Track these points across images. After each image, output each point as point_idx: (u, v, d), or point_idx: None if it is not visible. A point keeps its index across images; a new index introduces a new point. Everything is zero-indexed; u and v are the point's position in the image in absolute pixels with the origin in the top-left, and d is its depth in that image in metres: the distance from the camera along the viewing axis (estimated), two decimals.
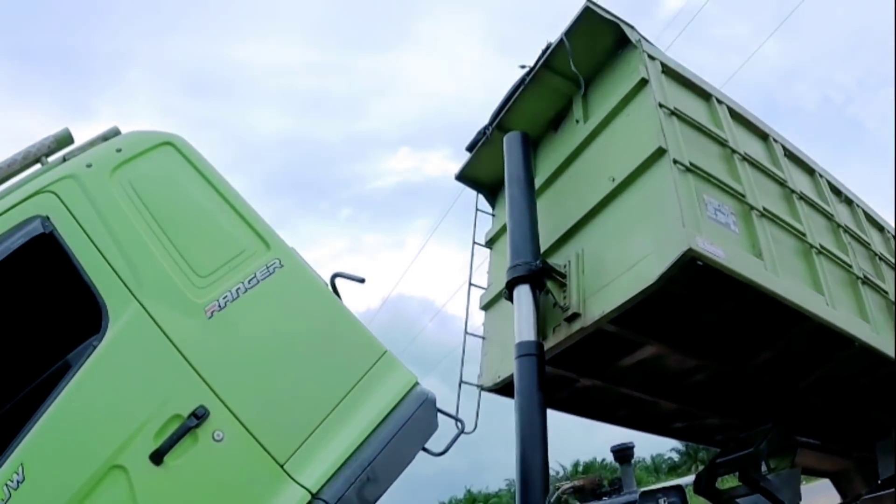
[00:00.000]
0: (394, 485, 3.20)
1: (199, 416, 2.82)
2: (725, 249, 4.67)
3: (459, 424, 3.63)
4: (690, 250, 4.38)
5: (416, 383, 3.49)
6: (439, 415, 3.51)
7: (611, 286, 4.91)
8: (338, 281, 3.89)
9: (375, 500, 3.16)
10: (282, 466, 2.93)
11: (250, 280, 3.24)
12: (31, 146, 3.37)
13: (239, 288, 3.19)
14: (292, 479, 2.93)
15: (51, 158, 3.39)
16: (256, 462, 2.90)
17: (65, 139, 3.43)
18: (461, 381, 5.93)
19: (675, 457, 42.67)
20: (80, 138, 3.48)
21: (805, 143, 7.42)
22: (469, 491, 59.26)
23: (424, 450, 3.48)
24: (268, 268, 3.34)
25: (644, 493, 3.71)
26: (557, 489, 4.17)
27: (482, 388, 6.12)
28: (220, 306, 3.12)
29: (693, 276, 4.59)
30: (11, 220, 2.94)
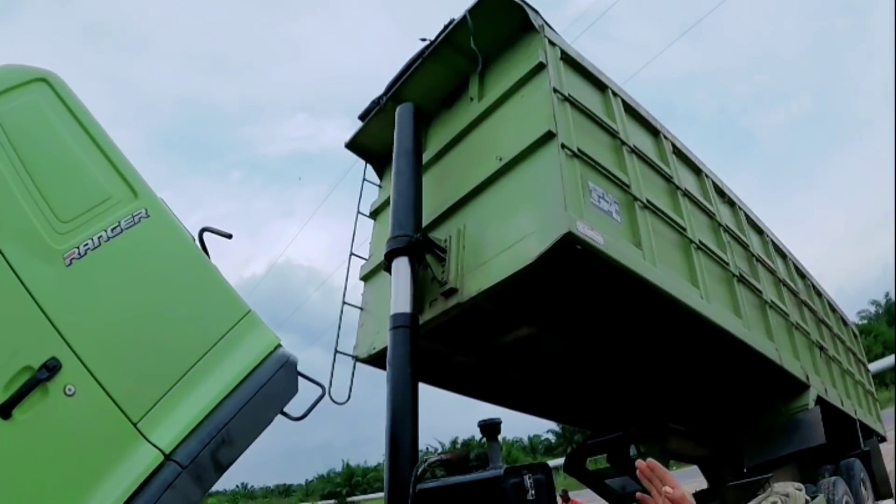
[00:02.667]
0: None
1: (51, 368, 2.70)
2: (605, 236, 4.74)
3: (321, 389, 3.56)
4: (570, 234, 4.43)
5: (279, 345, 3.43)
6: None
7: (489, 264, 4.92)
8: (206, 237, 3.77)
9: (230, 463, 3.10)
10: (135, 425, 2.83)
11: (114, 228, 3.11)
12: None
13: (101, 236, 3.05)
14: (145, 438, 2.84)
15: None
16: (109, 419, 2.79)
17: None
18: (336, 351, 5.88)
19: (552, 438, 43.73)
20: None
21: (698, 148, 7.66)
22: (347, 464, 59.71)
23: (283, 413, 3.43)
24: (133, 217, 3.21)
25: (509, 468, 3.71)
26: (425, 461, 4.14)
27: (357, 358, 6.10)
28: (80, 254, 2.97)
29: (572, 259, 4.65)
30: None
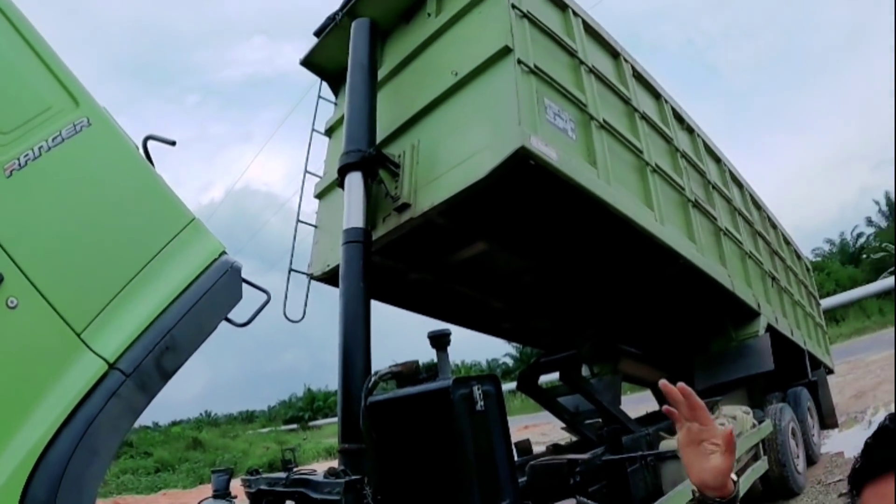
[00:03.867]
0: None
1: None
2: (559, 152, 4.71)
3: (266, 295, 3.51)
4: (523, 148, 4.39)
5: (223, 252, 3.37)
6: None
7: (442, 178, 4.89)
8: (151, 146, 3.68)
9: (175, 370, 3.06)
10: (79, 335, 2.76)
11: (55, 138, 2.99)
12: None
13: (42, 146, 2.93)
14: (89, 348, 2.77)
15: None
16: (52, 331, 2.71)
17: None
18: (290, 269, 5.83)
19: (510, 362, 44.33)
20: None
21: (662, 79, 7.62)
22: (309, 389, 60.45)
23: (227, 320, 3.39)
24: (74, 126, 3.08)
25: (458, 379, 3.71)
26: (376, 374, 4.15)
27: (311, 276, 6.07)
28: (20, 164, 2.85)
29: (525, 175, 4.62)
30: None
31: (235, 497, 4.50)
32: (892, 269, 34.53)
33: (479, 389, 3.73)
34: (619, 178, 5.58)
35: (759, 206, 10.29)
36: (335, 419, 4.50)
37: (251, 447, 33.59)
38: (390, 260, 5.89)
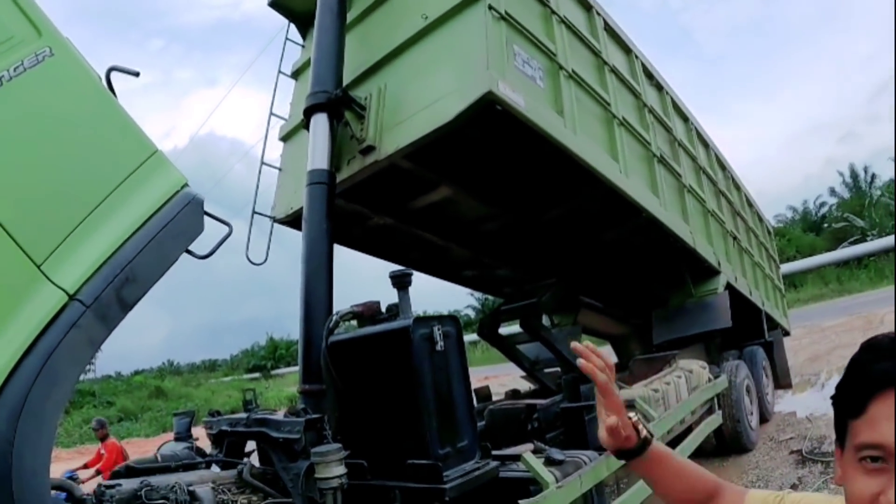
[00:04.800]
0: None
1: None
2: (526, 99, 4.71)
3: (227, 227, 3.50)
4: (491, 93, 4.38)
5: (185, 184, 3.34)
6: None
7: (408, 122, 4.86)
8: (114, 77, 3.62)
9: (135, 301, 3.04)
10: (38, 267, 2.72)
11: (16, 68, 2.92)
12: None
13: (3, 76, 2.87)
14: (49, 279, 2.74)
15: None
16: (11, 262, 2.67)
17: None
18: (254, 212, 5.79)
19: (471, 313, 44.77)
20: None
21: (634, 38, 7.57)
22: (271, 338, 60.66)
23: (189, 252, 3.37)
24: (37, 56, 3.01)
25: (418, 318, 3.73)
26: (338, 314, 4.16)
27: (275, 219, 6.04)
28: None
29: (492, 121, 4.62)
30: None
31: (197, 439, 4.51)
32: (853, 238, 35.25)
33: (439, 330, 3.75)
34: (586, 128, 5.59)
35: (723, 166, 10.38)
36: (297, 368, 4.50)
37: (213, 395, 33.70)
38: (353, 203, 5.87)
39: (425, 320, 3.76)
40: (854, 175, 41.25)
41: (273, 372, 54.15)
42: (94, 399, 32.91)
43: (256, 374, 55.53)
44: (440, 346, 3.73)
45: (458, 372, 3.88)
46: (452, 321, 3.92)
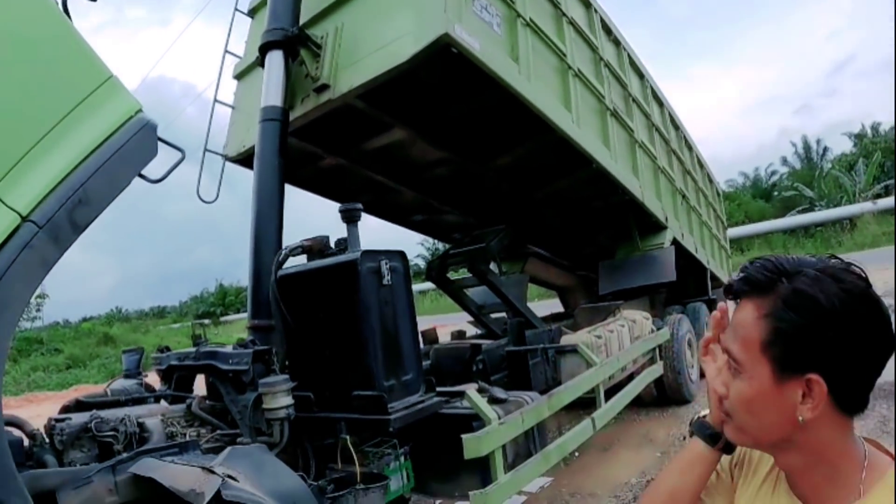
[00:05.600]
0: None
1: None
2: (482, 44, 4.74)
3: (180, 153, 3.50)
4: (447, 35, 4.40)
5: (139, 110, 3.33)
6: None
7: (363, 61, 4.86)
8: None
9: (87, 223, 3.05)
10: None
11: None
12: None
13: None
14: (1, 201, 2.73)
15: None
16: None
17: None
18: (205, 150, 5.73)
19: (421, 263, 45.16)
20: None
21: None
22: (221, 285, 60.38)
23: (141, 176, 3.37)
24: None
25: (366, 252, 3.77)
26: (287, 248, 4.18)
27: (227, 157, 6.00)
28: None
29: (447, 64, 4.65)
30: None
31: (146, 376, 4.53)
32: (801, 208, 36.08)
33: (386, 264, 3.81)
34: (540, 77, 5.64)
35: (677, 126, 10.52)
36: (246, 315, 4.53)
37: (162, 342, 33.33)
38: (306, 142, 5.88)
39: (373, 254, 3.81)
40: (807, 147, 42.26)
41: (222, 319, 53.84)
42: (42, 347, 32.48)
43: (206, 321, 55.26)
44: (387, 280, 3.79)
45: (405, 307, 3.95)
46: (400, 256, 3.97)
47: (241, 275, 57.82)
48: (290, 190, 5.15)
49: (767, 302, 1.11)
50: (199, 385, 4.26)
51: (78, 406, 3.66)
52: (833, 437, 1.12)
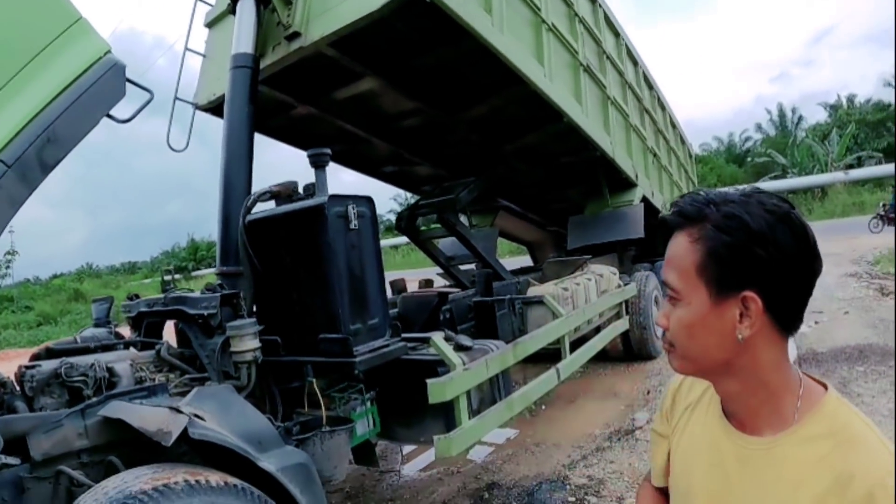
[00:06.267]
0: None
1: None
2: None
3: (149, 94, 3.50)
4: None
5: (108, 51, 3.33)
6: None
7: (336, 9, 4.82)
8: None
9: (56, 162, 3.08)
10: None
11: None
12: None
13: None
14: None
15: None
16: None
17: None
18: (176, 98, 5.67)
19: (394, 218, 45.76)
20: None
21: None
22: (192, 239, 60.10)
23: (109, 116, 3.38)
24: None
25: (333, 196, 3.80)
26: (255, 193, 4.20)
27: (197, 106, 5.95)
28: None
29: (419, 13, 4.61)
30: None
31: (116, 325, 4.55)
32: (773, 174, 36.42)
33: (354, 209, 3.85)
34: (514, 30, 5.63)
35: (650, 85, 10.53)
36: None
37: None
38: (276, 91, 5.85)
39: (340, 198, 3.84)
40: (782, 114, 42.65)
41: (194, 273, 53.55)
42: (13, 304, 32.33)
43: (177, 276, 54.97)
44: (354, 224, 3.84)
45: (371, 252, 4.01)
46: (367, 201, 4.01)
47: (212, 229, 57.42)
48: (260, 145, 5.15)
49: (698, 229, 1.16)
50: (170, 337, 4.28)
51: (48, 353, 3.70)
52: (770, 358, 1.18)
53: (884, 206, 23.05)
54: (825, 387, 1.22)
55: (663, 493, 1.59)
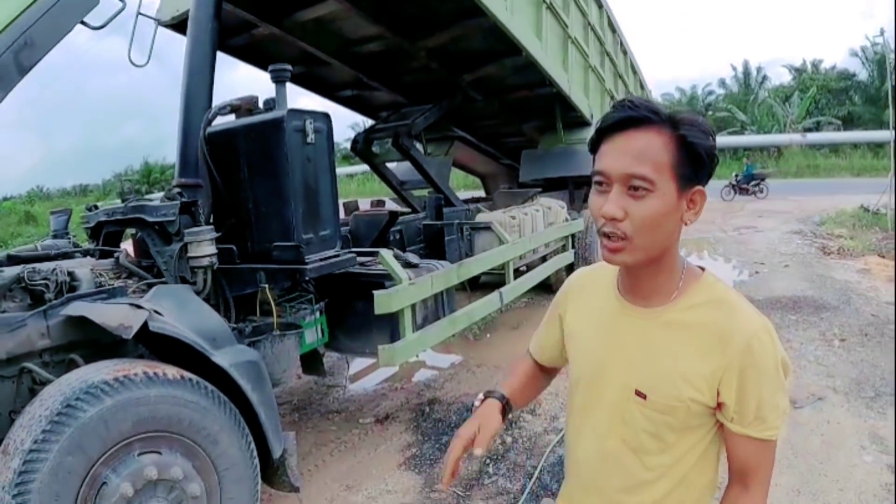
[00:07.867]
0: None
1: None
2: None
3: (121, 3, 3.60)
4: None
5: None
6: None
7: None
8: None
9: (31, 65, 3.21)
10: None
11: None
12: None
13: None
14: None
15: None
16: None
17: None
18: (138, 13, 5.63)
19: (349, 146, 45.40)
20: None
21: None
22: (146, 162, 58.98)
23: (83, 23, 3.48)
24: None
25: (292, 110, 3.93)
26: (216, 107, 4.27)
27: (159, 22, 5.89)
28: None
29: None
30: None
31: (75, 236, 4.63)
32: (732, 129, 36.83)
33: (311, 124, 4.00)
34: None
35: (614, 29, 10.57)
36: None
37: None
38: (241, 9, 5.86)
39: (299, 113, 3.97)
40: (746, 72, 43.00)
41: (147, 196, 52.79)
42: None
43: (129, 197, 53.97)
44: (311, 138, 3.99)
45: (326, 166, 4.17)
46: (325, 117, 4.14)
47: (167, 152, 56.06)
48: (219, 66, 5.15)
49: (668, 130, 1.30)
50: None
51: (9, 260, 3.80)
52: (678, 242, 1.42)
53: (736, 175, 25.10)
54: (703, 269, 1.46)
55: (539, 366, 1.85)
